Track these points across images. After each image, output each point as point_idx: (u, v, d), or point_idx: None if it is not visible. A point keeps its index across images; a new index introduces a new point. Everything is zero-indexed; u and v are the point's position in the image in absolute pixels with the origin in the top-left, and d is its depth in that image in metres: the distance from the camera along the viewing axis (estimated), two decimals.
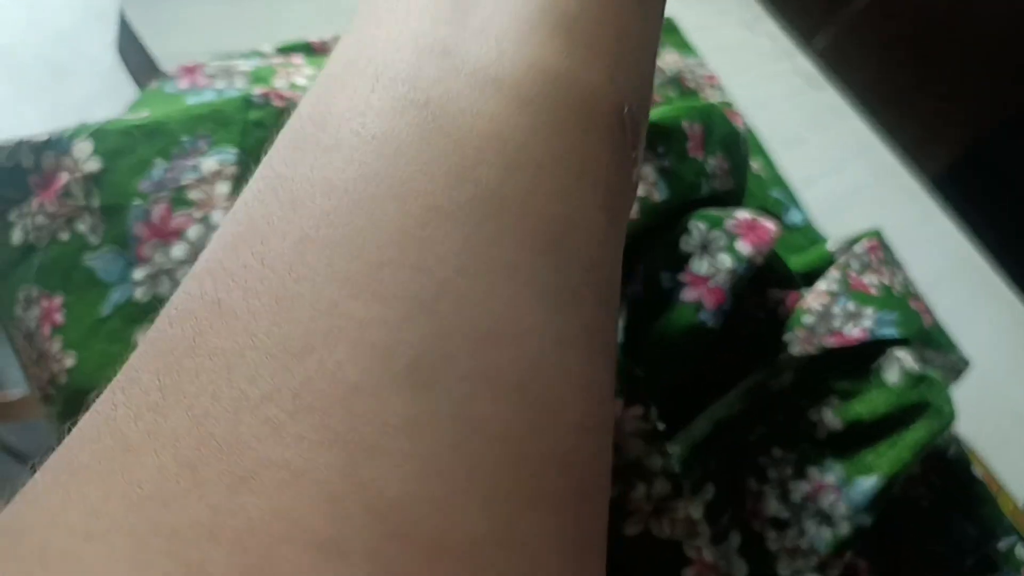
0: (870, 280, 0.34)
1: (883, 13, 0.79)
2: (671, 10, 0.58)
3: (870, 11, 0.80)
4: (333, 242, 0.12)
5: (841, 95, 0.62)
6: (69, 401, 0.29)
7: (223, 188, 0.29)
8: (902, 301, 0.34)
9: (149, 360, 0.12)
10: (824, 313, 0.33)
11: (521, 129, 0.13)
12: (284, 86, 0.33)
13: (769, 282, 0.33)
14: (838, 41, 0.78)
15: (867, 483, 0.31)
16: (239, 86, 0.34)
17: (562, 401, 0.12)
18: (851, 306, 0.33)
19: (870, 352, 0.32)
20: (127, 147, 0.31)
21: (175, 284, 0.29)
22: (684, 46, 0.56)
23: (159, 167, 0.30)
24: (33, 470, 0.12)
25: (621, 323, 0.28)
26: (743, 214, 0.31)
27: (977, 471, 0.37)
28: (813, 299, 0.33)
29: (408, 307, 0.12)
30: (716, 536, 0.30)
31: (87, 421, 0.12)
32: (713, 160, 0.34)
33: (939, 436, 0.31)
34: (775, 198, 0.49)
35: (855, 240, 0.36)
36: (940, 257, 0.55)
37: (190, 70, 0.35)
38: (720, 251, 0.31)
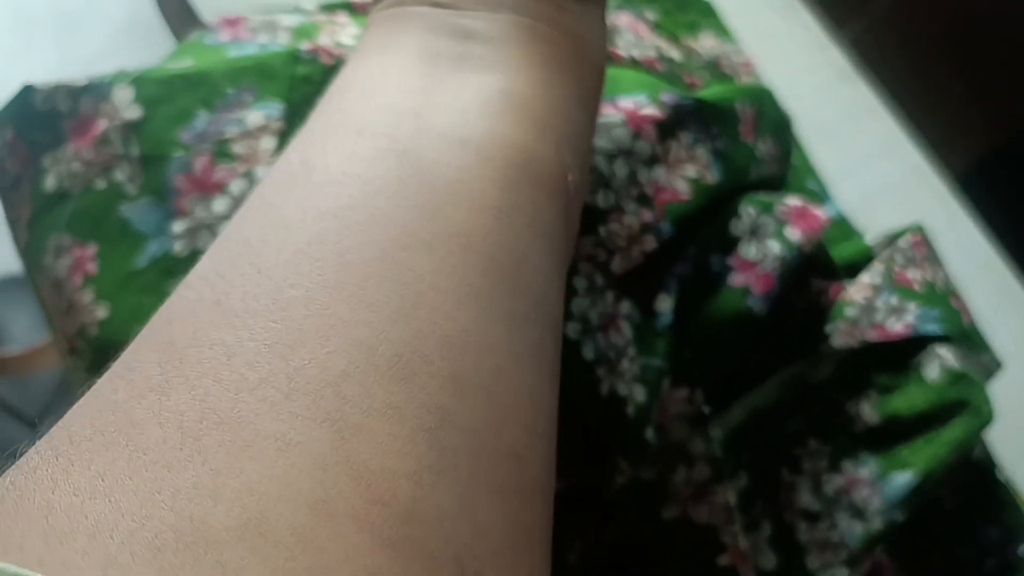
0: (914, 275, 0.33)
1: (914, 7, 0.78)
2: None
3: (901, 5, 0.79)
4: (324, 256, 0.14)
5: (872, 90, 0.61)
6: (99, 353, 0.29)
7: (268, 143, 0.28)
8: (944, 298, 0.33)
9: (148, 353, 0.13)
10: (867, 306, 0.32)
11: (483, 180, 0.16)
12: (329, 43, 0.32)
13: (812, 272, 0.33)
14: (867, 34, 0.78)
15: (902, 479, 0.31)
16: (282, 41, 0.33)
17: (517, 406, 0.14)
18: (894, 300, 0.32)
19: (911, 348, 0.32)
20: (168, 96, 0.30)
21: (215, 238, 0.28)
22: (722, 30, 0.56)
23: (202, 118, 0.29)
24: (32, 426, 0.13)
25: (671, 304, 0.27)
26: (793, 200, 0.31)
27: (1001, 475, 0.37)
28: (856, 291, 0.32)
29: (390, 312, 0.13)
30: (748, 525, 0.30)
31: (84, 404, 0.13)
32: (763, 145, 0.33)
33: (977, 436, 0.31)
34: (811, 189, 0.48)
35: (898, 234, 0.36)
36: (965, 260, 0.55)
37: (232, 22, 0.34)
38: (769, 236, 0.30)
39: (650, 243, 0.27)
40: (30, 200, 0.34)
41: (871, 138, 0.58)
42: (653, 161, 0.28)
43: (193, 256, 0.28)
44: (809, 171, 0.50)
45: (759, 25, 0.59)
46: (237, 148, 0.28)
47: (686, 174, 0.29)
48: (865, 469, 0.31)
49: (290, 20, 0.34)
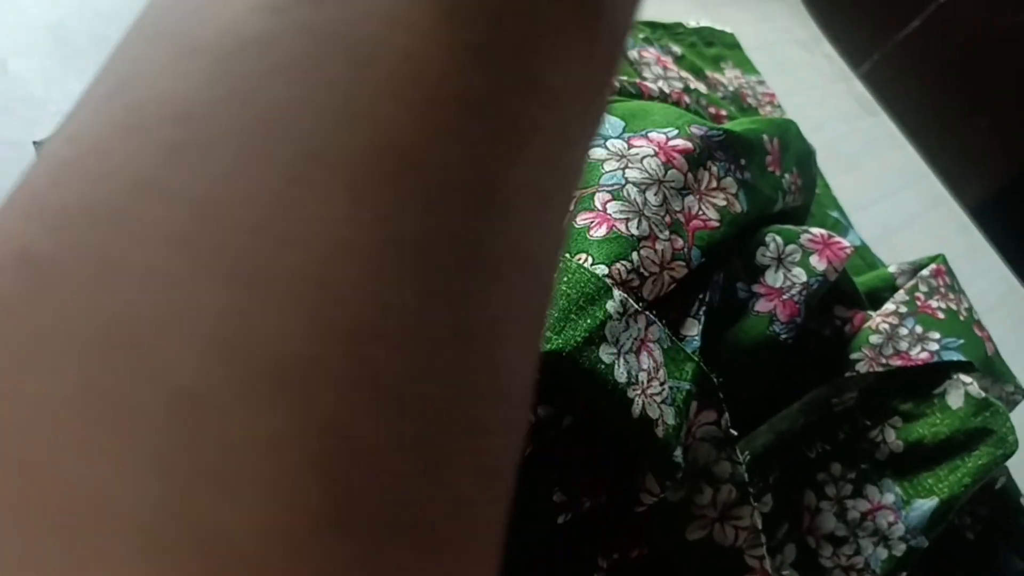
0: (937, 304, 0.34)
1: (929, 39, 0.79)
2: (733, 25, 0.59)
3: (915, 37, 0.80)
4: (177, 194, 0.09)
5: (893, 120, 0.62)
6: None
7: None
8: (967, 327, 0.34)
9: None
10: (891, 334, 0.33)
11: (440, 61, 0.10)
12: None
13: (836, 299, 0.34)
14: (882, 66, 0.79)
15: (926, 505, 0.31)
16: None
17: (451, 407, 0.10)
18: (918, 329, 0.33)
19: (934, 375, 0.33)
20: None
21: None
22: (746, 63, 0.57)
23: None
24: None
25: (699, 329, 0.28)
26: (818, 231, 0.32)
27: None
28: (881, 319, 0.33)
29: (271, 292, 0.09)
30: (772, 548, 0.31)
31: None
32: (788, 176, 0.34)
33: (1001, 464, 0.31)
34: (834, 218, 0.49)
35: (921, 264, 0.36)
36: (986, 289, 0.55)
37: None
38: (795, 265, 0.31)
39: (680, 270, 0.28)
40: None
41: (892, 168, 0.59)
42: (684, 190, 0.29)
43: None
44: (831, 200, 0.51)
45: (782, 57, 0.60)
46: None
47: (716, 202, 0.30)
48: (889, 495, 0.31)
49: None
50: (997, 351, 0.36)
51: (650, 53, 0.49)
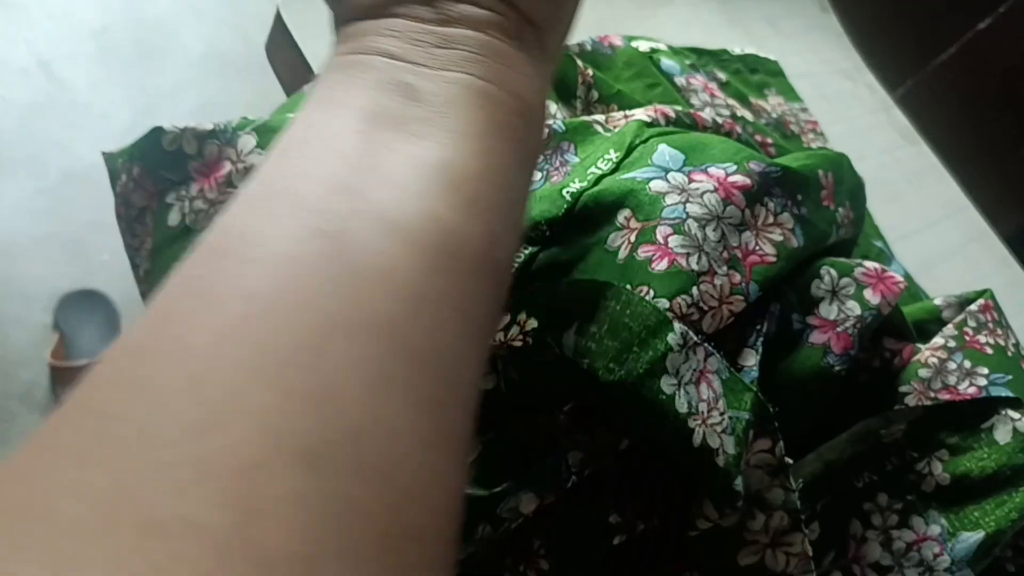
0: (985, 340, 0.35)
1: (964, 67, 0.79)
2: (777, 54, 0.60)
3: (950, 65, 0.80)
4: (246, 341, 0.15)
5: (932, 150, 0.63)
6: None
7: None
8: (1015, 363, 0.35)
9: (73, 420, 0.14)
10: (940, 368, 0.33)
11: (411, 269, 0.17)
12: None
13: (886, 331, 0.34)
14: (919, 90, 0.79)
15: (972, 538, 0.31)
16: None
17: (421, 489, 0.15)
18: (966, 363, 0.34)
19: (982, 410, 0.33)
20: None
21: None
22: (789, 91, 0.58)
23: None
24: None
25: (756, 359, 0.29)
26: (872, 265, 0.32)
27: None
28: (930, 353, 0.34)
29: (303, 401, 0.14)
30: (819, 575, 0.31)
31: (8, 465, 0.14)
32: (842, 210, 0.35)
33: None
34: (879, 248, 0.50)
35: (968, 298, 0.37)
36: None
37: None
38: (849, 298, 0.31)
39: (738, 304, 0.29)
40: (152, 232, 0.36)
41: (933, 199, 0.59)
42: (742, 226, 0.30)
43: None
44: (874, 230, 0.51)
45: (825, 86, 0.60)
46: None
47: (772, 238, 0.31)
48: (935, 526, 0.32)
49: None
50: None
51: (697, 80, 0.50)
